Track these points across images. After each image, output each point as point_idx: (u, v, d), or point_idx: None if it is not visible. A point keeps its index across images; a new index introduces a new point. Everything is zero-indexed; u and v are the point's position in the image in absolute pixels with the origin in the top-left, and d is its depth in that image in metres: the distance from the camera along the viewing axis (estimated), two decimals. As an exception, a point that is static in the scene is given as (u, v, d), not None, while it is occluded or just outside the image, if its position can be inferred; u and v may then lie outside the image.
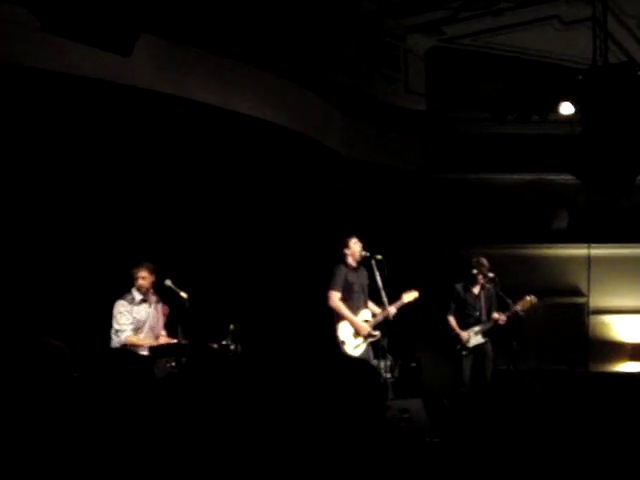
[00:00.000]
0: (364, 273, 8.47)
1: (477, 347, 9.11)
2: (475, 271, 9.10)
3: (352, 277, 8.41)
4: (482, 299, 9.19)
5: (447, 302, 9.29)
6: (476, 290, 9.24)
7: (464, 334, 9.08)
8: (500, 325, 9.07)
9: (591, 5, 8.56)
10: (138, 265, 7.63)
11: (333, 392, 2.80)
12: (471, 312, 9.18)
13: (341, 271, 8.39)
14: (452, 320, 9.19)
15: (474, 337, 9.11)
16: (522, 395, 8.71)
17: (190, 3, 7.75)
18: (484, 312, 9.18)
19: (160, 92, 7.87)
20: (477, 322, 9.15)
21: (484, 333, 9.13)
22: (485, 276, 9.09)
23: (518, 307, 9.03)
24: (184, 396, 3.19)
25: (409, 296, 8.48)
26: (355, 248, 8.41)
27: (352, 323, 8.28)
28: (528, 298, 9.09)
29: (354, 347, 8.25)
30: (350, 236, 8.49)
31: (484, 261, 9.15)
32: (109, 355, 3.91)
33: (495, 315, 9.12)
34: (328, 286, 8.33)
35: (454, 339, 9.15)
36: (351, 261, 8.44)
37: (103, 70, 7.16)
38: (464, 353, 9.07)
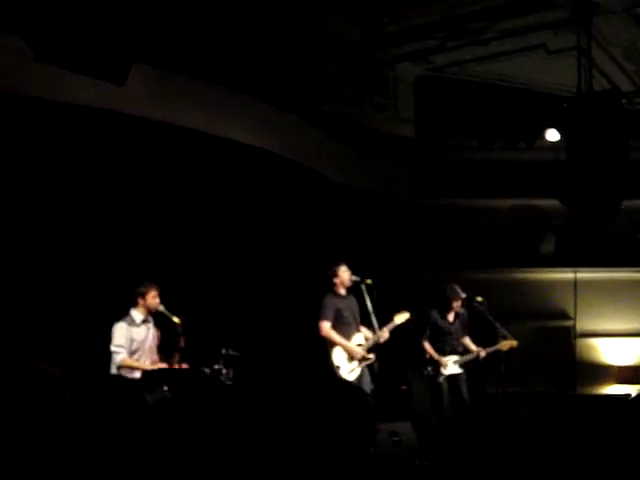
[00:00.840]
0: (353, 299, 8.50)
1: (451, 375, 9.13)
2: (449, 297, 9.13)
3: (342, 304, 8.42)
4: (457, 326, 9.21)
5: (423, 327, 9.25)
6: (451, 317, 9.21)
7: (443, 360, 9.07)
8: (479, 359, 9.12)
9: (576, 34, 8.70)
10: (145, 284, 7.64)
11: (324, 416, 2.85)
12: (447, 339, 9.15)
13: (330, 301, 8.39)
14: (427, 345, 9.12)
15: (451, 366, 9.10)
16: (510, 418, 8.77)
17: (182, 32, 7.84)
18: (459, 340, 9.21)
19: (152, 120, 7.94)
20: (452, 349, 9.14)
21: (461, 364, 9.16)
22: (463, 301, 9.12)
23: (498, 347, 9.07)
24: (176, 421, 3.23)
25: (400, 318, 8.50)
26: (344, 276, 8.42)
27: (346, 348, 8.32)
28: (509, 342, 9.08)
29: (349, 371, 8.28)
30: (339, 264, 8.50)
31: (457, 288, 9.13)
32: (102, 380, 3.96)
33: (472, 347, 9.15)
34: (318, 317, 8.34)
35: (428, 363, 9.11)
36: (340, 289, 8.46)
37: (96, 98, 7.22)
38: (439, 380, 9.06)
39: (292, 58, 8.99)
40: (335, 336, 8.30)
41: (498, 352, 9.10)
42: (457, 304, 9.15)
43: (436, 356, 9.08)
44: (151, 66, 7.61)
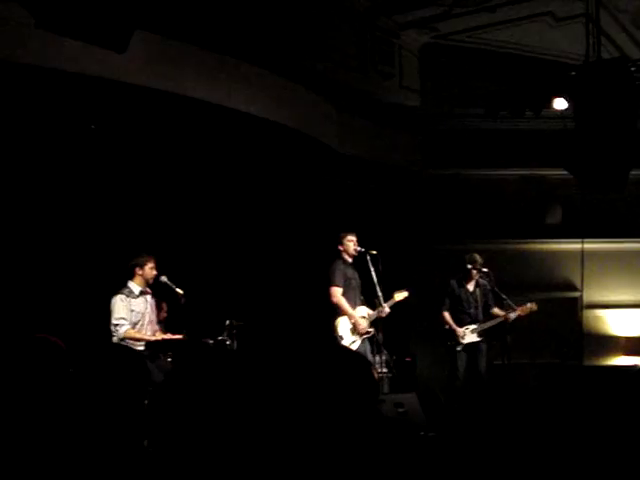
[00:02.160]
0: (356, 270, 8.53)
1: (471, 344, 9.14)
2: (469, 266, 9.13)
3: (349, 273, 8.47)
4: (477, 295, 9.22)
5: (442, 298, 9.31)
6: (471, 286, 9.27)
7: (460, 330, 9.10)
8: (508, 322, 9.06)
9: (584, 1, 8.59)
10: (142, 255, 7.60)
11: (327, 385, 2.81)
12: (465, 308, 9.20)
13: (340, 266, 8.44)
14: (447, 316, 9.21)
15: (469, 335, 9.12)
16: (516, 389, 8.76)
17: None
18: (480, 309, 9.21)
19: (154, 88, 7.86)
20: (472, 319, 9.17)
21: (480, 332, 9.16)
22: (479, 272, 9.13)
23: (519, 311, 9.04)
24: (180, 392, 3.19)
25: (400, 295, 8.56)
26: (348, 245, 8.46)
27: (353, 319, 8.34)
28: (529, 305, 9.09)
29: (351, 343, 8.31)
30: (345, 233, 8.54)
31: (477, 257, 9.18)
32: (105, 351, 3.93)
33: (500, 312, 9.12)
34: (329, 283, 8.38)
35: (448, 334, 9.17)
36: (346, 257, 8.50)
37: (98, 66, 7.15)
38: (458, 349, 9.10)
39: (297, 26, 8.89)
40: (345, 305, 8.34)
41: (506, 321, 9.07)
42: (476, 272, 9.13)
43: (453, 326, 9.10)
44: (153, 33, 7.52)
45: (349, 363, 2.85)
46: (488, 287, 9.24)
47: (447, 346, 9.16)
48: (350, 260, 8.52)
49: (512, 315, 9.04)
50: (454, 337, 9.11)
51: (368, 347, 8.40)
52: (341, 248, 8.51)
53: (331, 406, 2.76)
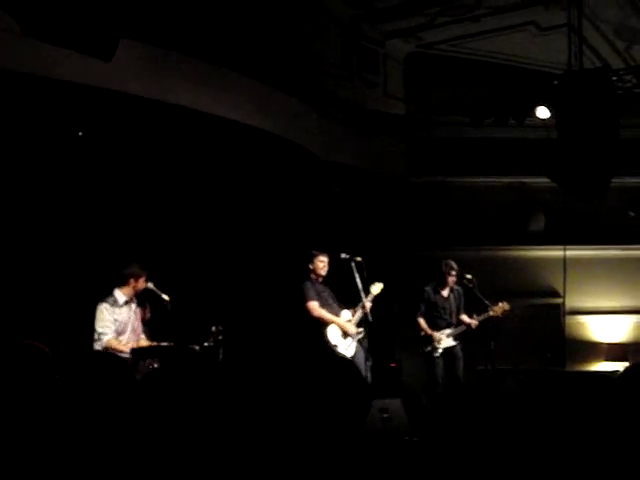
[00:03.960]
0: (327, 289, 8.53)
1: (447, 349, 9.20)
2: (445, 273, 9.21)
3: (319, 288, 8.47)
4: (452, 301, 9.31)
5: (417, 304, 9.37)
6: (445, 293, 9.35)
7: (436, 334, 9.16)
8: (472, 330, 9.18)
9: (567, 11, 8.67)
10: (139, 267, 7.58)
11: (318, 392, 2.83)
12: (441, 314, 9.28)
13: (308, 285, 8.42)
14: (422, 321, 9.26)
15: (445, 340, 9.19)
16: (500, 395, 8.82)
17: (171, 8, 7.77)
18: (453, 314, 9.29)
19: (140, 96, 7.88)
20: (447, 324, 9.25)
21: (455, 337, 9.23)
22: (457, 277, 9.20)
23: (491, 313, 9.12)
24: (165, 398, 3.21)
25: (376, 288, 8.52)
26: (318, 265, 8.44)
27: (339, 325, 8.36)
28: (501, 304, 9.17)
29: (346, 348, 8.34)
30: (318, 252, 8.50)
31: (453, 264, 9.27)
32: (90, 357, 3.94)
33: (466, 319, 9.23)
34: (304, 300, 8.34)
35: (425, 340, 9.22)
36: (314, 277, 8.48)
37: (84, 75, 7.16)
38: (435, 355, 9.15)
39: (283, 35, 8.93)
40: (326, 314, 8.35)
41: (488, 326, 9.13)
42: (452, 279, 9.22)
43: (429, 331, 9.17)
44: (139, 42, 7.54)
45: (339, 369, 2.87)
46: (461, 293, 9.32)
47: (424, 353, 9.21)
48: (320, 279, 8.48)
49: (475, 322, 9.13)
50: (431, 343, 9.16)
51: (362, 350, 8.41)
52: (311, 267, 8.47)
53: (319, 413, 2.78)
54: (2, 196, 7.49)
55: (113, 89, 7.53)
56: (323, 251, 8.53)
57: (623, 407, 3.67)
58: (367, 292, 8.44)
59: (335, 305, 8.51)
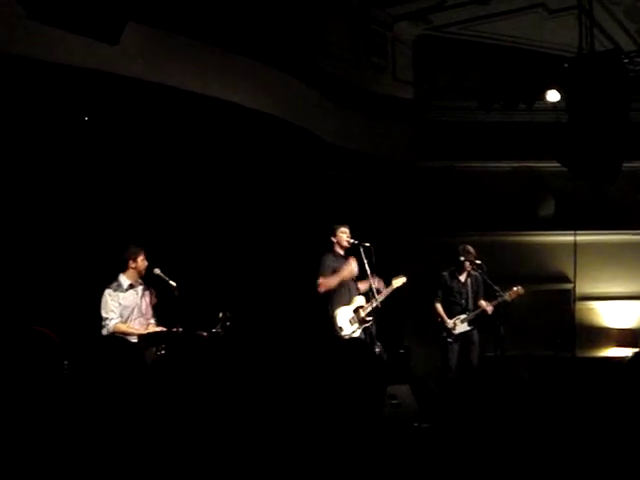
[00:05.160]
0: (354, 262, 8.51)
1: (463, 334, 9.19)
2: (462, 258, 9.17)
3: (340, 265, 8.44)
4: (469, 286, 9.28)
5: (434, 290, 9.36)
6: (463, 278, 9.32)
7: (450, 321, 9.16)
8: (487, 315, 9.15)
9: (577, -7, 8.59)
10: (133, 247, 7.58)
11: (333, 376, 2.80)
12: (458, 300, 9.26)
13: (329, 260, 8.44)
14: (439, 307, 9.27)
15: (460, 325, 9.18)
16: (509, 381, 8.79)
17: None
18: (470, 300, 9.27)
19: (147, 80, 7.84)
20: (464, 310, 9.23)
21: (470, 321, 9.22)
22: (472, 263, 9.16)
23: (506, 297, 9.08)
24: (173, 383, 3.18)
25: (398, 282, 8.56)
26: (341, 237, 8.47)
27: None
28: (515, 289, 9.15)
29: (351, 333, 8.33)
30: (338, 225, 8.54)
31: (470, 248, 9.22)
32: (99, 343, 3.91)
33: (483, 304, 9.20)
34: (318, 274, 8.37)
35: (440, 326, 9.23)
36: (338, 250, 8.50)
37: (90, 59, 7.12)
38: (450, 340, 9.15)
39: (290, 19, 8.87)
40: (332, 279, 8.30)
41: (499, 312, 9.09)
42: (469, 265, 9.17)
43: (445, 318, 9.15)
44: (146, 25, 7.48)
45: (353, 352, 2.84)
46: (480, 279, 9.28)
47: (440, 338, 9.20)
48: (342, 252, 8.51)
49: (489, 308, 9.08)
50: (446, 328, 9.16)
51: (367, 338, 8.40)
52: (334, 240, 8.52)
53: (334, 398, 2.75)
54: (9, 183, 7.47)
55: (119, 73, 7.48)
56: (344, 224, 8.55)
57: (632, 392, 3.63)
58: (388, 283, 8.48)
59: (353, 285, 8.47)
